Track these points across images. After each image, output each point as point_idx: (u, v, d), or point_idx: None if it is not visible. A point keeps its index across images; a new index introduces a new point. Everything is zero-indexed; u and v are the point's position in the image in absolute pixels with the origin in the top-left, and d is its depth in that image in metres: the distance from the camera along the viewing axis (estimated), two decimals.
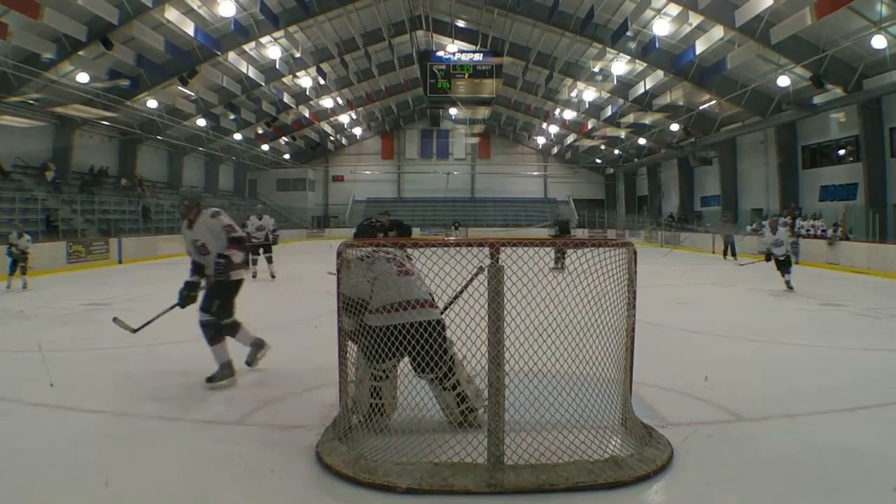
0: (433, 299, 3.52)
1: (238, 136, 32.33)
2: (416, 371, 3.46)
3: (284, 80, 28.02)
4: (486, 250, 3.03)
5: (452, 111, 37.01)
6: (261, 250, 12.85)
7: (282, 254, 15.86)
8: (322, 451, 3.19)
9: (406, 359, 3.49)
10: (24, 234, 11.92)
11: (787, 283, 10.47)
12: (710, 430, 3.64)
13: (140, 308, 9.09)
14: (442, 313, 3.55)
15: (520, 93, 32.06)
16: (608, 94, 27.85)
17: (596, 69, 25.27)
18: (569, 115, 32.12)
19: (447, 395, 3.50)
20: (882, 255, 14.46)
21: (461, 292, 3.43)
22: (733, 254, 18.38)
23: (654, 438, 3.32)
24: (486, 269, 2.99)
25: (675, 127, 26.86)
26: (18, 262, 11.53)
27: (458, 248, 3.20)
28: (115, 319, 4.98)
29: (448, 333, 3.48)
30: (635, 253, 3.42)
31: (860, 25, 16.12)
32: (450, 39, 27.75)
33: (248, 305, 9.01)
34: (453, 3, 24.83)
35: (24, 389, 4.49)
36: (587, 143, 35.82)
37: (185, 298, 4.71)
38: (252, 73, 25.36)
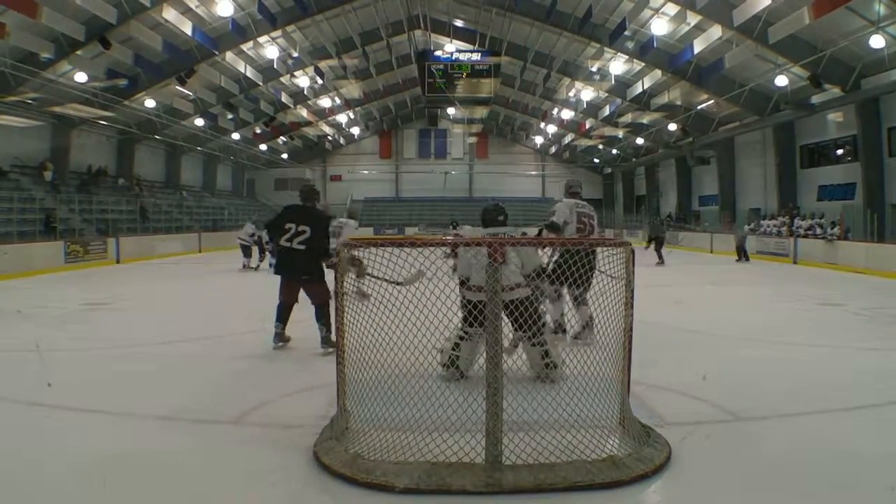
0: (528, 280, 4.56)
1: (236, 136, 32.25)
2: (513, 328, 4.37)
3: (282, 79, 27.93)
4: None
5: (450, 111, 36.92)
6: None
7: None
8: (319, 451, 3.18)
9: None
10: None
11: None
12: (708, 429, 3.64)
13: (138, 308, 9.09)
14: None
15: (518, 92, 32.00)
16: (606, 94, 27.80)
17: (594, 69, 25.20)
18: (567, 114, 32.07)
19: (533, 350, 4.50)
20: (880, 254, 14.48)
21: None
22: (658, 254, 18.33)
23: (652, 438, 3.32)
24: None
25: (672, 126, 26.83)
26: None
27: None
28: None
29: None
30: (633, 252, 3.42)
31: (858, 25, 16.10)
32: (448, 39, 27.70)
33: (245, 304, 9.01)
34: (451, 2, 24.78)
35: (21, 389, 4.49)
36: (585, 142, 35.77)
37: None
38: (250, 72, 25.28)
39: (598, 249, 3.97)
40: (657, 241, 17.86)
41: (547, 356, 4.45)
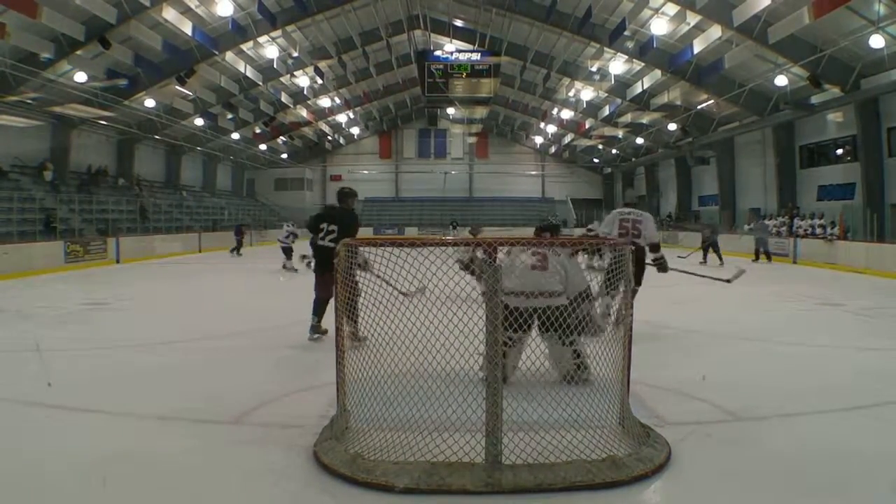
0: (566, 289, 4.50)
1: (236, 136, 32.24)
2: (541, 331, 4.20)
3: (282, 79, 27.94)
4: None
5: (450, 111, 36.92)
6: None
7: (277, 253, 15.91)
8: (319, 451, 3.19)
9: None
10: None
11: None
12: (708, 429, 3.65)
13: (138, 307, 9.09)
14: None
15: (517, 92, 32.01)
16: (606, 94, 27.81)
17: (594, 69, 25.22)
18: (566, 114, 32.07)
19: (565, 350, 4.27)
20: (880, 254, 14.49)
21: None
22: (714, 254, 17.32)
23: (652, 438, 3.32)
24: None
25: (672, 126, 26.84)
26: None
27: (455, 248, 3.20)
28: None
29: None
30: (632, 252, 3.43)
31: (858, 25, 16.10)
32: (448, 39, 27.70)
33: (245, 304, 9.02)
34: (451, 2, 24.77)
35: (21, 389, 4.49)
36: (585, 142, 35.78)
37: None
38: (250, 72, 25.28)
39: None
40: (712, 245, 17.03)
41: (578, 356, 4.31)
